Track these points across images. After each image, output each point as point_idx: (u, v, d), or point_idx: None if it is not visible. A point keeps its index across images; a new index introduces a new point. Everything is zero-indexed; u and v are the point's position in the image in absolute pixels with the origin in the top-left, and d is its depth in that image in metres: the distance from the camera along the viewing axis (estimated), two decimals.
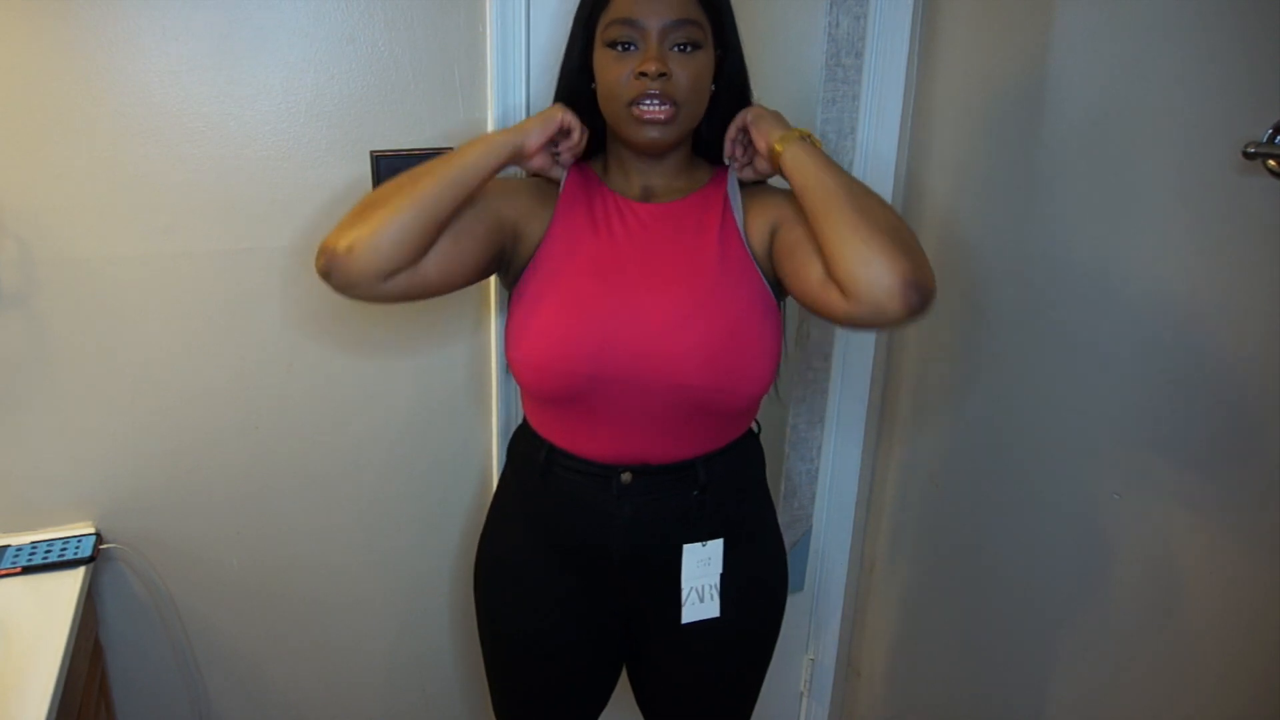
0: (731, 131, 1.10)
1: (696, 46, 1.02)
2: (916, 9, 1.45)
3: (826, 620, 1.81)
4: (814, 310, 0.99)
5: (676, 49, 1.01)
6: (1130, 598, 1.21)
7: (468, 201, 1.01)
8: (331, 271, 0.96)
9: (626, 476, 1.09)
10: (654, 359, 1.02)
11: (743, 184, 1.14)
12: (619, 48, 1.02)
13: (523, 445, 1.17)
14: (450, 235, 1.00)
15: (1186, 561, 1.13)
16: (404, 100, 1.26)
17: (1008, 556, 1.41)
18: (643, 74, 1.00)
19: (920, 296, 0.90)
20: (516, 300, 1.08)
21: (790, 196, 1.07)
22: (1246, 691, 1.08)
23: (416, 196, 0.96)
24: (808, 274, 0.98)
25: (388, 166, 1.27)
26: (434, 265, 0.99)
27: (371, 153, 1.27)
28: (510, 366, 1.09)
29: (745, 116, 1.09)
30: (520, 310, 1.07)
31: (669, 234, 1.08)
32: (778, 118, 1.07)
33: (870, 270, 0.90)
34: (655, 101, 1.01)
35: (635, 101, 1.01)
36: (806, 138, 1.03)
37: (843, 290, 0.92)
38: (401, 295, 0.99)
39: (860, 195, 0.96)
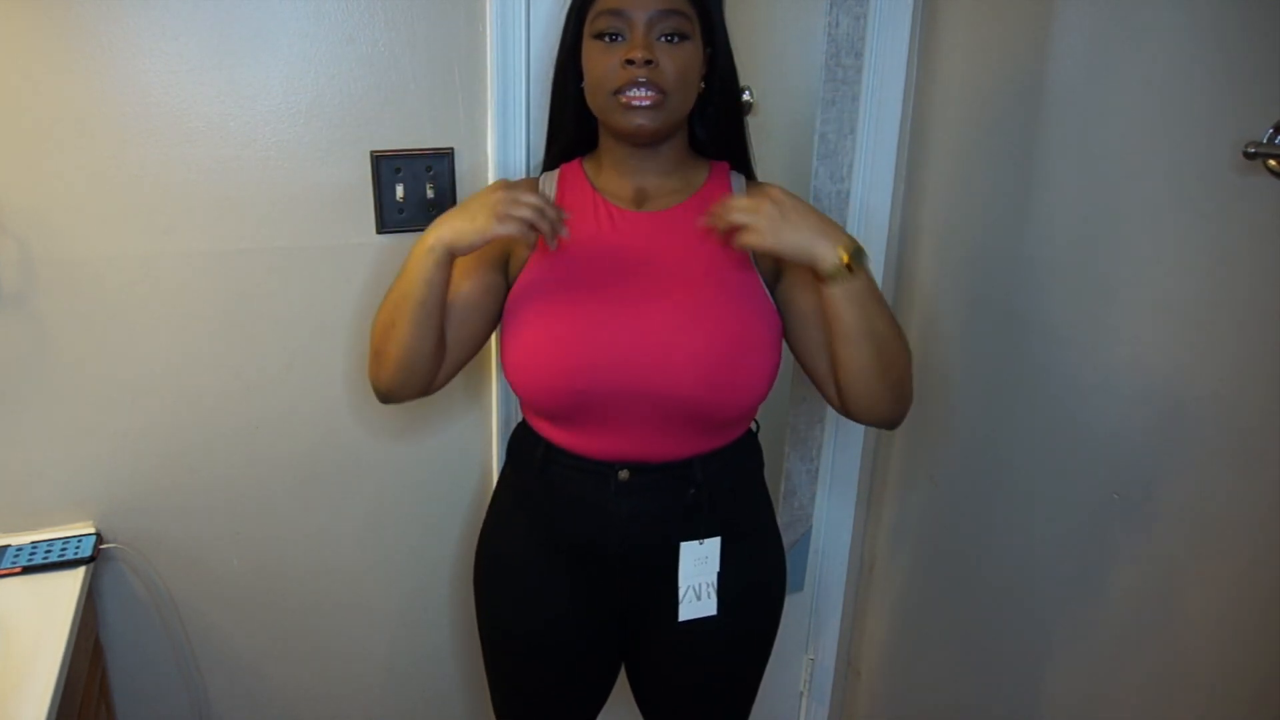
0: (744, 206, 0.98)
1: (684, 38, 1.01)
2: (916, 9, 1.45)
3: (826, 620, 1.81)
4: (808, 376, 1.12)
5: (664, 39, 1.01)
6: (1130, 598, 1.21)
7: (445, 305, 1.04)
8: (391, 400, 1.11)
9: (624, 474, 1.09)
10: (649, 374, 1.02)
11: (749, 181, 1.14)
12: (606, 39, 1.02)
13: (521, 442, 1.18)
14: (453, 325, 1.08)
15: (1186, 561, 1.13)
16: (404, 100, 1.26)
17: (1008, 556, 1.41)
18: (629, 62, 0.99)
19: (897, 426, 1.10)
20: (509, 314, 1.08)
21: None
22: (1247, 691, 1.08)
23: (403, 339, 1.03)
24: (814, 362, 1.09)
25: (388, 166, 1.27)
26: (455, 351, 1.10)
27: (371, 153, 1.27)
28: (506, 378, 1.09)
29: (770, 204, 0.96)
30: (513, 326, 1.06)
31: (665, 244, 1.07)
32: (822, 222, 0.98)
33: (872, 414, 1.07)
34: (642, 89, 1.00)
35: (622, 89, 1.01)
36: (856, 262, 0.97)
37: (843, 406, 1.08)
38: (452, 376, 1.12)
39: (888, 347, 1.02)
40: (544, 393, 1.05)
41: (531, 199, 0.97)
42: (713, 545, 1.13)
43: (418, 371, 1.06)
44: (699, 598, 1.13)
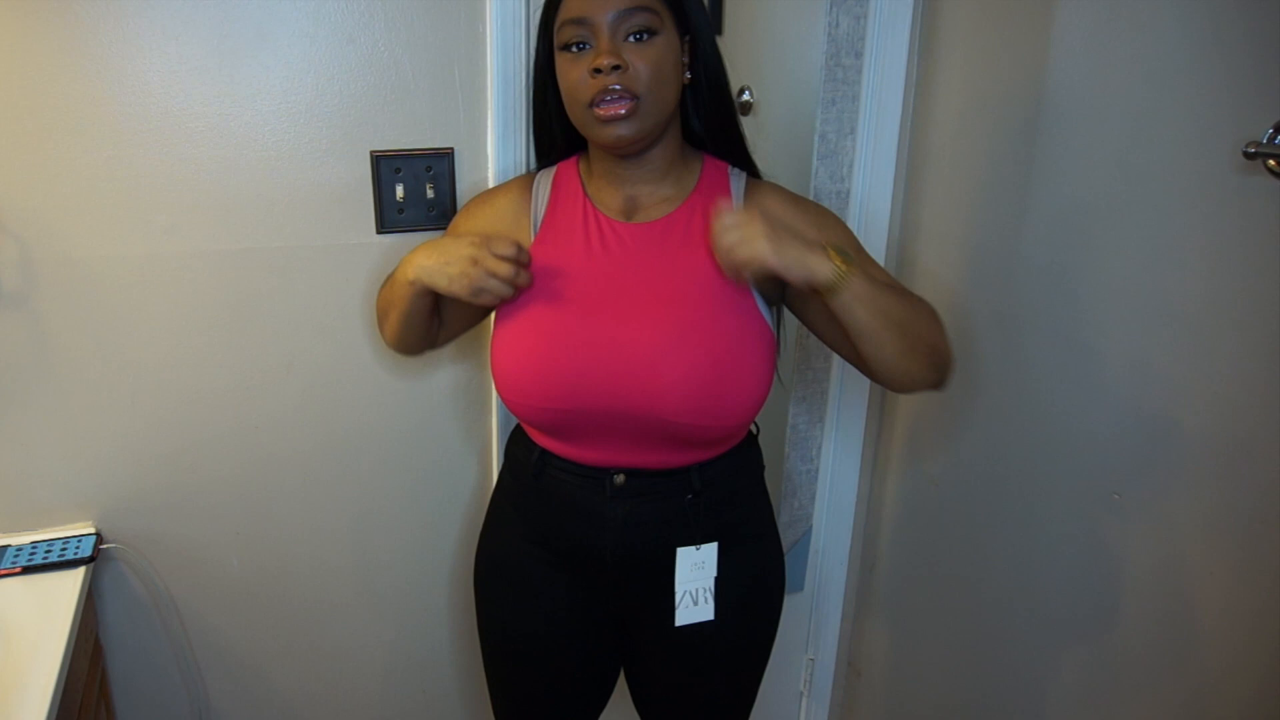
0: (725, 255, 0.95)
1: (652, 33, 0.97)
2: (916, 9, 1.45)
3: (826, 620, 1.81)
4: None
5: (631, 39, 0.97)
6: (1130, 597, 1.21)
7: (430, 313, 1.11)
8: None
9: (619, 478, 1.08)
10: (635, 394, 1.01)
11: (748, 183, 1.10)
12: (573, 49, 0.98)
13: (516, 447, 1.18)
14: (447, 307, 1.14)
15: (1187, 561, 1.13)
16: (404, 100, 1.26)
17: (1007, 556, 1.41)
18: (596, 70, 0.96)
19: (943, 387, 1.07)
20: (499, 322, 1.07)
21: (801, 217, 1.07)
22: (1247, 691, 1.08)
23: (395, 329, 1.13)
24: (842, 348, 1.09)
25: (388, 166, 1.27)
26: (453, 326, 1.19)
27: (371, 153, 1.27)
28: (497, 391, 1.09)
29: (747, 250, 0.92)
30: (502, 337, 1.06)
31: (655, 257, 1.05)
32: (795, 239, 0.93)
33: (916, 387, 1.04)
34: (615, 97, 0.96)
35: (595, 102, 0.97)
36: (847, 263, 0.94)
37: (887, 386, 1.06)
38: (453, 339, 1.23)
39: (910, 325, 0.99)
40: (531, 410, 1.05)
41: (504, 269, 0.97)
42: (709, 551, 1.12)
43: (413, 346, 1.17)
44: (696, 603, 1.13)
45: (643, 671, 1.25)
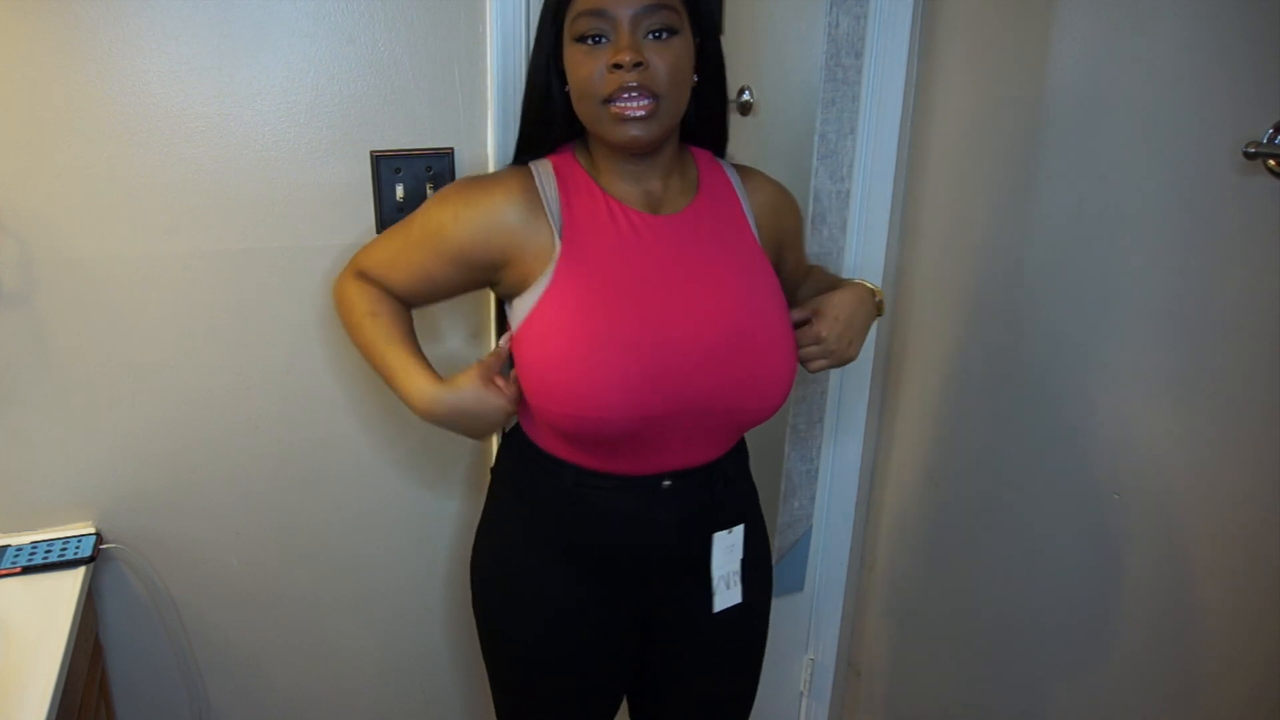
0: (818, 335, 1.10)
1: (673, 32, 0.94)
2: (916, 9, 1.45)
3: (826, 620, 1.81)
4: None
5: (651, 36, 0.94)
6: (1129, 598, 1.21)
7: None
8: None
9: (668, 483, 1.07)
10: (701, 394, 0.99)
11: (738, 167, 1.13)
12: (589, 41, 0.95)
13: (536, 472, 1.10)
14: (419, 298, 1.12)
15: (1186, 562, 1.13)
16: (404, 100, 1.26)
17: (1007, 556, 1.41)
18: (617, 66, 0.92)
19: None
20: (543, 339, 0.99)
21: (788, 210, 1.15)
22: (1246, 690, 1.08)
23: (357, 348, 1.12)
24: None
25: (387, 166, 1.27)
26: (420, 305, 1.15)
27: (371, 153, 1.27)
28: (539, 415, 1.02)
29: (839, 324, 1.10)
30: (557, 357, 0.98)
31: (691, 249, 1.03)
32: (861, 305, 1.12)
33: None
34: (634, 95, 0.94)
35: (612, 98, 0.94)
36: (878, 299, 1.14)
37: None
38: None
39: None
40: (596, 425, 0.98)
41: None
42: (739, 532, 1.13)
43: None
44: (728, 587, 1.14)
45: (659, 668, 1.21)
